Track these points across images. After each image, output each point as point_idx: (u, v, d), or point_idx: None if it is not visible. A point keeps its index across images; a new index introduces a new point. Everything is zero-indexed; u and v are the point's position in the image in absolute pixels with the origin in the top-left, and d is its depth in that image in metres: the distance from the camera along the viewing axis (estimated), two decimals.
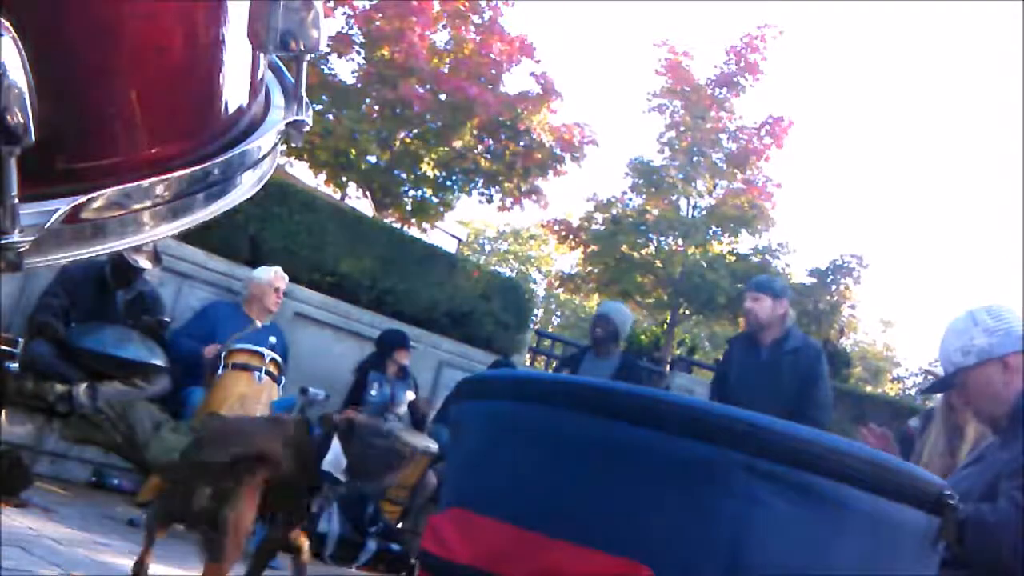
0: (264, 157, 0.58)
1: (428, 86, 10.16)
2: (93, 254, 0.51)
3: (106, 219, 0.50)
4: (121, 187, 0.49)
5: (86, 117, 0.48)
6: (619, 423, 0.98)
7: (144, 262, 5.05)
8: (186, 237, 6.25)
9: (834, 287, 14.19)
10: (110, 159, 0.49)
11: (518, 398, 1.08)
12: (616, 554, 0.94)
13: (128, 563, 3.39)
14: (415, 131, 10.54)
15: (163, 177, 0.51)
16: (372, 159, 10.61)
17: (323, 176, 11.26)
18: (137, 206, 0.51)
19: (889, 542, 1.04)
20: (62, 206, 0.46)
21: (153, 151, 0.51)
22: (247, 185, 0.57)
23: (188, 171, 0.52)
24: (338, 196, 11.88)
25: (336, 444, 2.82)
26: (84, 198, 0.47)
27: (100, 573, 3.06)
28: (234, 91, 0.57)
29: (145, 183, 0.50)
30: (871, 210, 56.63)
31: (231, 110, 0.56)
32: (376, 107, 10.49)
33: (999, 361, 2.06)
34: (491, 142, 10.82)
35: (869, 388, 23.14)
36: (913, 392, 28.06)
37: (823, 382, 4.38)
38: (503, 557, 1.01)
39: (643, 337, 14.69)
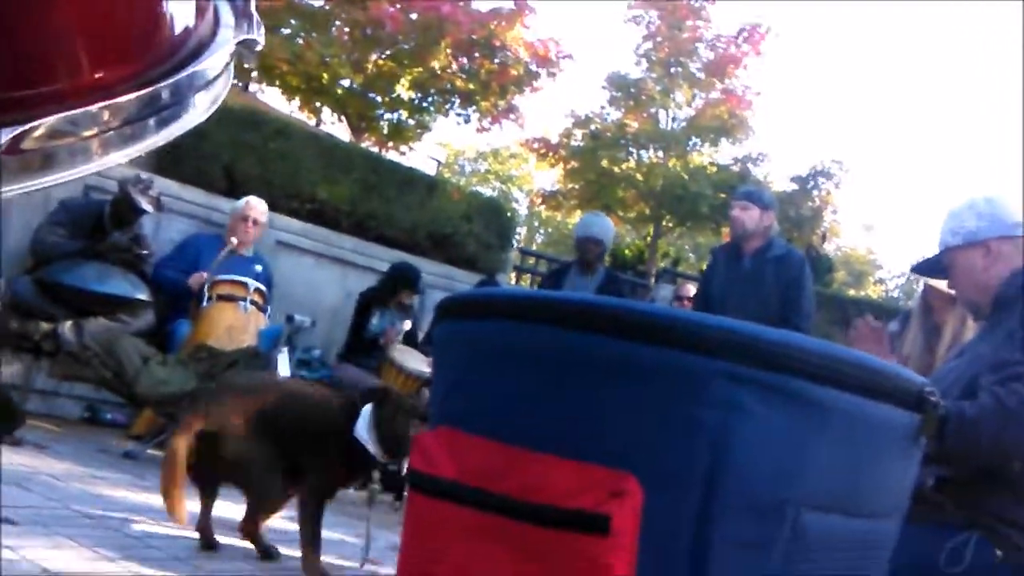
0: (216, 78, 0.56)
1: (398, 5, 9.92)
2: (43, 185, 0.49)
3: (54, 148, 0.48)
4: (64, 114, 0.47)
5: (22, 42, 0.46)
6: (598, 336, 0.98)
7: (147, 205, 5.01)
8: (161, 169, 6.17)
9: (815, 192, 14.19)
10: (51, 86, 0.47)
11: (498, 316, 1.08)
12: (600, 465, 0.95)
13: (126, 495, 3.43)
14: (388, 52, 10.32)
15: (109, 102, 0.49)
16: (345, 83, 10.42)
17: (296, 102, 11.07)
18: (86, 133, 0.49)
19: (871, 442, 1.05)
20: (2, 136, 0.44)
21: (96, 76, 0.49)
22: (201, 108, 0.55)
23: (135, 95, 0.50)
24: (313, 122, 11.71)
25: (366, 412, 2.81)
26: (24, 127, 0.45)
27: (99, 506, 3.09)
28: (179, 11, 0.55)
29: (91, 108, 0.48)
30: (851, 114, 56.39)
31: (177, 30, 0.54)
32: (346, 29, 10.25)
33: (982, 245, 2.06)
34: (466, 61, 10.62)
35: (852, 292, 23.35)
36: (896, 294, 28.36)
37: (806, 290, 4.45)
38: (490, 473, 1.02)
39: (627, 251, 14.72)
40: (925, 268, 2.29)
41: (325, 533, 2.84)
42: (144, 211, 5.04)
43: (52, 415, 5.08)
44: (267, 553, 2.85)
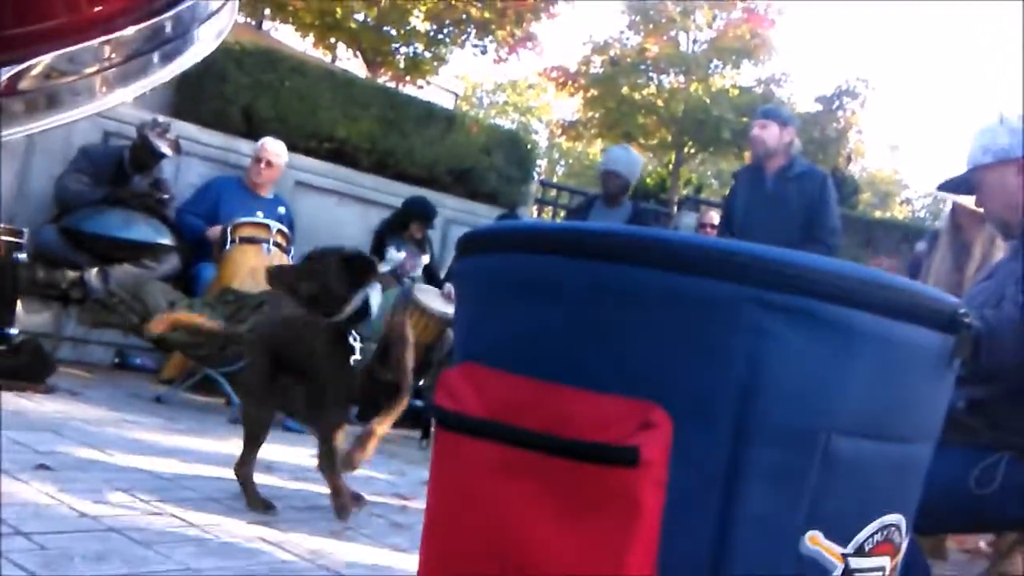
0: (220, 9, 0.54)
1: None
2: (48, 126, 0.48)
3: (55, 88, 0.46)
4: (63, 51, 0.45)
5: None
6: (622, 267, 0.96)
7: (166, 149, 5.01)
8: (178, 112, 6.15)
9: (840, 113, 13.95)
10: (47, 22, 0.45)
11: (520, 249, 1.06)
12: (628, 396, 0.94)
13: (158, 438, 3.49)
14: None
15: (110, 36, 0.47)
16: (359, 17, 10.28)
17: (311, 39, 10.95)
18: (87, 71, 0.47)
19: (904, 365, 1.03)
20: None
21: (95, 9, 0.47)
22: (205, 41, 0.53)
23: (136, 28, 0.48)
24: (328, 59, 11.59)
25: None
26: (21, 66, 0.43)
27: (132, 450, 3.14)
28: None
29: (91, 44, 0.47)
30: (877, 30, 55.08)
31: None
32: None
33: (1016, 162, 2.01)
34: None
35: (878, 213, 23.09)
36: (923, 214, 28.02)
37: (831, 207, 4.40)
38: (517, 408, 1.01)
39: (649, 180, 14.60)
40: (952, 187, 2.23)
41: (357, 470, 2.87)
42: (163, 155, 5.05)
43: (83, 362, 5.15)
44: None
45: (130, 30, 0.48)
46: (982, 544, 4.08)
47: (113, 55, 0.48)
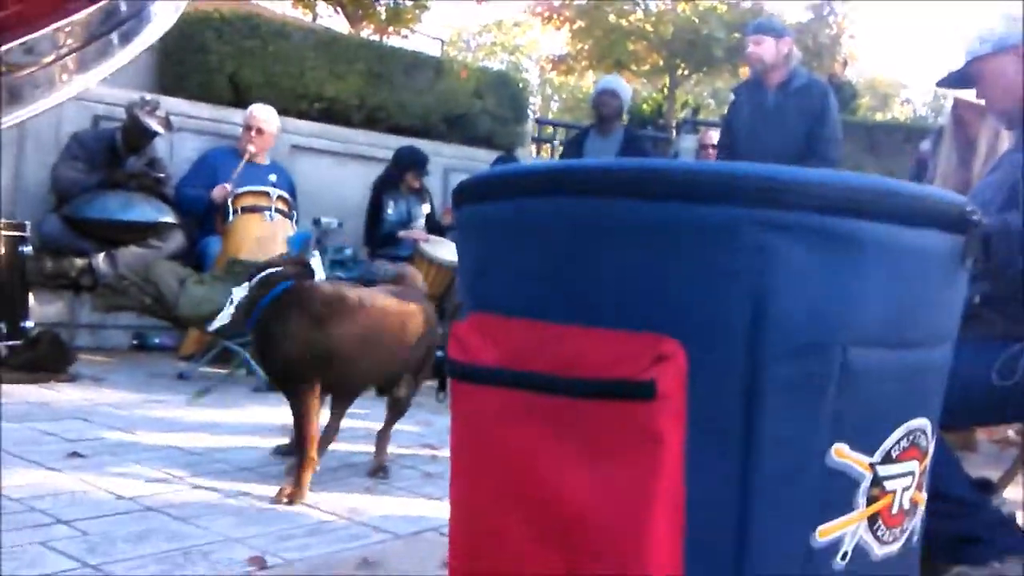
0: None
1: None
2: (11, 122, 0.46)
3: (14, 81, 0.45)
4: (15, 43, 0.44)
5: None
6: (620, 201, 0.94)
7: (157, 126, 4.97)
8: (165, 89, 6.10)
9: (832, 18, 13.71)
10: None
11: (515, 194, 1.05)
12: (639, 330, 0.93)
13: (184, 415, 3.52)
14: None
15: (64, 21, 0.46)
16: None
17: (289, 0, 10.80)
18: (46, 60, 0.46)
19: (914, 270, 1.02)
20: None
21: None
22: (162, 16, 0.51)
23: (90, 10, 0.47)
24: (310, 18, 11.43)
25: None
26: None
27: (160, 429, 3.17)
28: None
29: (45, 32, 0.45)
30: None
31: None
32: None
33: (1014, 50, 1.97)
34: None
35: (879, 116, 22.83)
36: (925, 112, 27.70)
37: (832, 118, 4.35)
38: (528, 352, 1.00)
39: (645, 106, 14.45)
40: (951, 82, 2.19)
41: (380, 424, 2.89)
42: (155, 133, 5.01)
43: (102, 347, 5.19)
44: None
45: (83, 13, 0.47)
46: (1011, 433, 4.10)
47: (70, 41, 0.47)
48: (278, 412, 2.97)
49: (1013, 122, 2.05)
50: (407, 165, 5.79)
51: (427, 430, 3.52)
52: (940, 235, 1.03)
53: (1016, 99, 1.97)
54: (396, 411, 2.86)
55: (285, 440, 2.89)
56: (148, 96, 5.16)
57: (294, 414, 2.48)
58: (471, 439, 1.06)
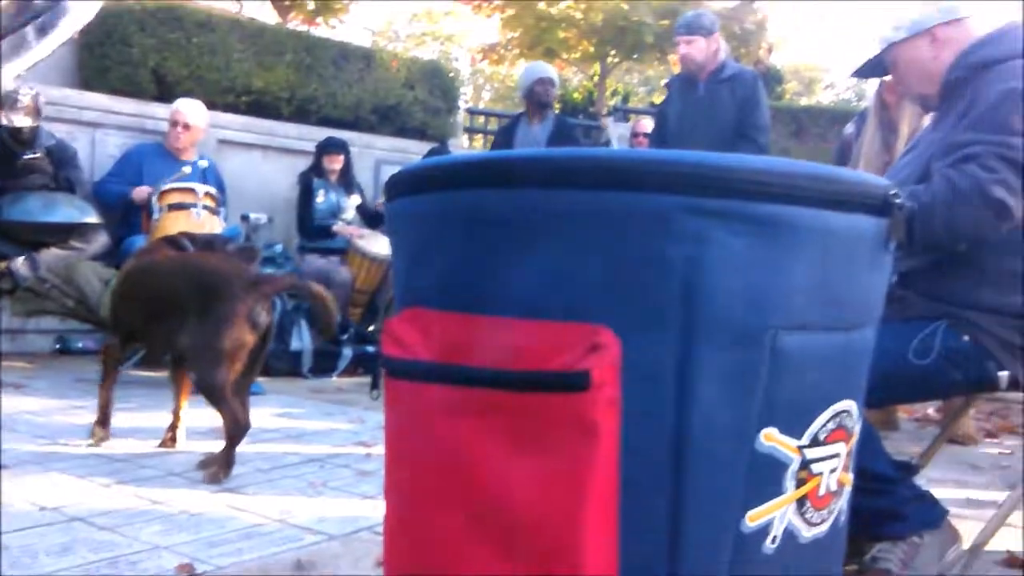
0: None
1: None
2: None
3: None
4: None
5: None
6: (549, 191, 0.94)
7: (22, 120, 4.74)
8: (86, 83, 5.91)
9: (756, 4, 13.91)
10: None
11: (444, 186, 1.03)
12: (572, 321, 0.92)
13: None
14: None
15: None
16: None
17: None
18: None
19: (842, 254, 1.03)
20: None
21: None
22: (79, 9, 0.48)
23: (3, 4, 0.44)
24: (237, 8, 11.22)
25: None
26: None
27: (84, 436, 3.08)
28: None
29: None
30: None
31: None
32: None
33: (928, 33, 2.00)
34: None
35: (804, 101, 23.27)
36: (848, 95, 28.30)
37: (761, 106, 4.44)
38: (463, 346, 0.99)
39: (576, 94, 14.49)
40: (868, 70, 2.21)
41: (316, 424, 2.85)
42: (20, 128, 4.78)
43: (23, 353, 5.03)
44: None
45: None
46: (931, 411, 4.21)
47: None
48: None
49: (930, 104, 2.08)
50: (323, 149, 5.79)
51: (361, 427, 3.48)
52: (866, 219, 1.05)
53: (931, 81, 2.00)
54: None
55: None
56: (13, 87, 4.88)
57: None
58: (407, 434, 1.05)
